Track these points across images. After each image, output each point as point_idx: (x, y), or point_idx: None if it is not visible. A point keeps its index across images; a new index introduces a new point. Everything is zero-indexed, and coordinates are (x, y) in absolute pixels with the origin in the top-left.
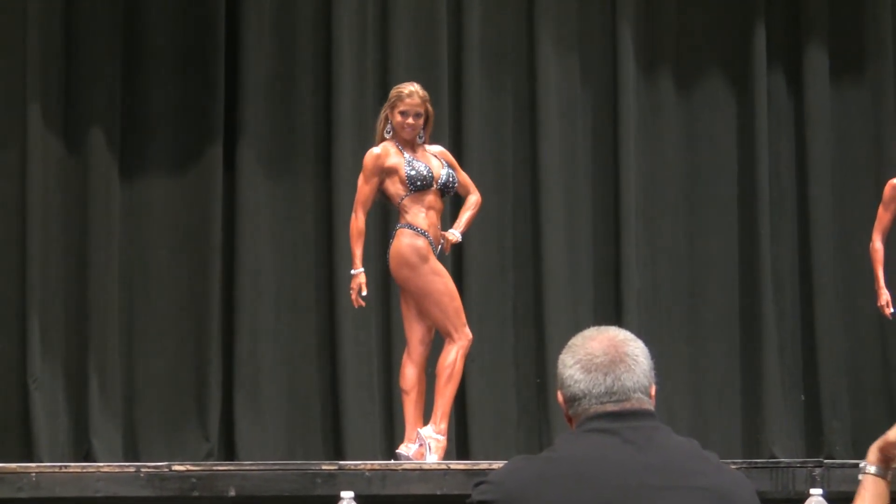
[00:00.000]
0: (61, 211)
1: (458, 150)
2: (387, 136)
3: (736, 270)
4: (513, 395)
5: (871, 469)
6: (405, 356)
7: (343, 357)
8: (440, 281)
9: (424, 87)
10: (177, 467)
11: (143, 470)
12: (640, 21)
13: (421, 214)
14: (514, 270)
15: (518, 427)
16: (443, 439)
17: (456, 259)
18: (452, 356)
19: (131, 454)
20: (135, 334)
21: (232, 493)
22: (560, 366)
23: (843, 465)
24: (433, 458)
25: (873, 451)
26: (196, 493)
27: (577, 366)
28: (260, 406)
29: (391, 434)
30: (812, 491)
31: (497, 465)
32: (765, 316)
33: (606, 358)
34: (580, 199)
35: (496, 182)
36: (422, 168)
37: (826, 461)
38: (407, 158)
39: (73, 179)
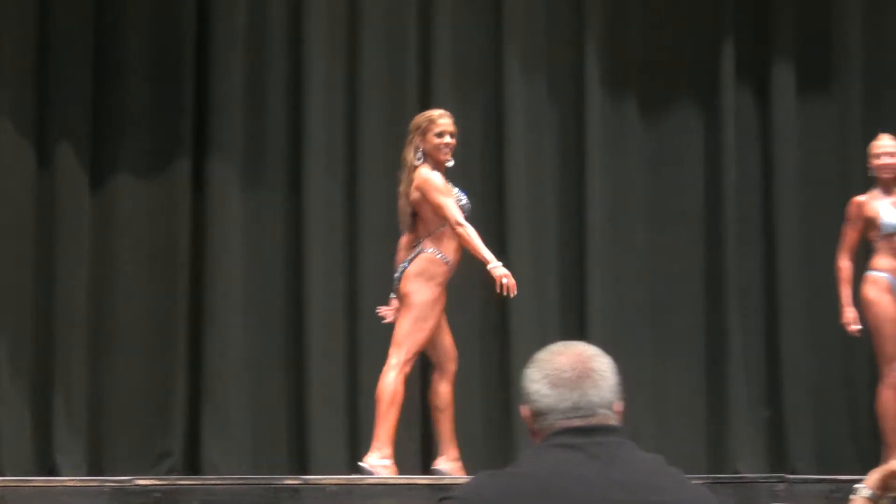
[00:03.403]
0: (31, 225)
1: None
2: (417, 162)
3: (701, 286)
4: (478, 410)
5: (867, 493)
6: (436, 374)
7: (310, 372)
8: (435, 312)
9: (393, 103)
10: (141, 482)
11: (107, 484)
12: (607, 39)
13: (452, 245)
14: (480, 286)
15: (483, 442)
16: (390, 464)
17: None
18: (391, 379)
19: (96, 469)
20: (101, 348)
21: None
22: (526, 380)
23: (805, 481)
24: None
25: (874, 477)
26: None
27: (544, 381)
28: (225, 420)
29: (356, 448)
30: None
31: (462, 480)
32: (730, 332)
33: (573, 373)
34: (546, 215)
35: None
36: (464, 198)
37: (789, 476)
38: (453, 186)
39: (43, 193)
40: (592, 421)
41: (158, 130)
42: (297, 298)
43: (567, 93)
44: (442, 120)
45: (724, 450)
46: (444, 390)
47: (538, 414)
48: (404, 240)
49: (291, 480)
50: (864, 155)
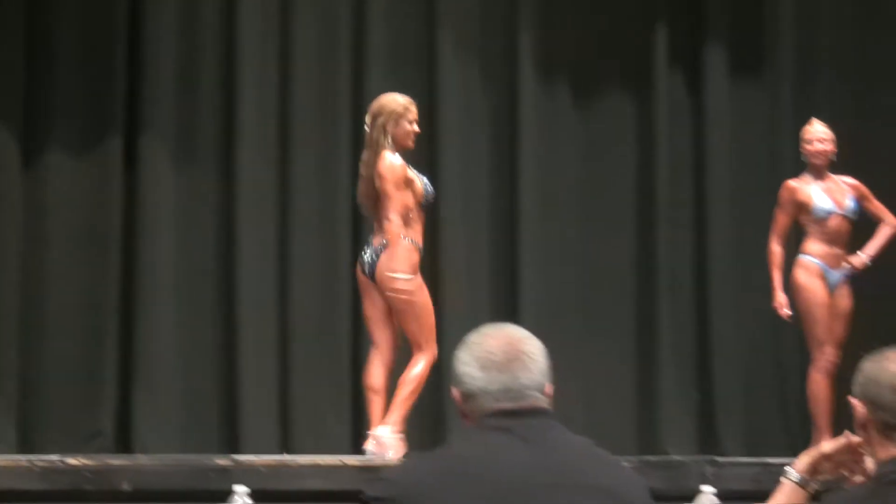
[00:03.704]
0: None
1: (357, 152)
2: (389, 148)
3: (632, 270)
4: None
5: (795, 477)
6: (376, 356)
7: (241, 352)
8: (426, 295)
9: (325, 87)
10: (70, 461)
11: (36, 463)
12: (540, 24)
13: (419, 229)
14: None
15: (413, 424)
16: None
17: (352, 261)
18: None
19: (26, 448)
20: (32, 328)
21: (126, 486)
22: (457, 363)
23: (734, 464)
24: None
25: (803, 461)
26: (90, 487)
27: (475, 363)
28: (156, 400)
29: (287, 429)
30: (703, 488)
31: (393, 461)
32: (660, 315)
33: (504, 356)
34: (479, 201)
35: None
36: (428, 184)
37: (718, 459)
38: (416, 172)
39: None
40: (522, 404)
41: (91, 110)
42: (229, 279)
43: (500, 78)
44: (413, 107)
45: (653, 432)
46: (381, 373)
47: (468, 396)
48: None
49: (222, 460)
50: (796, 140)
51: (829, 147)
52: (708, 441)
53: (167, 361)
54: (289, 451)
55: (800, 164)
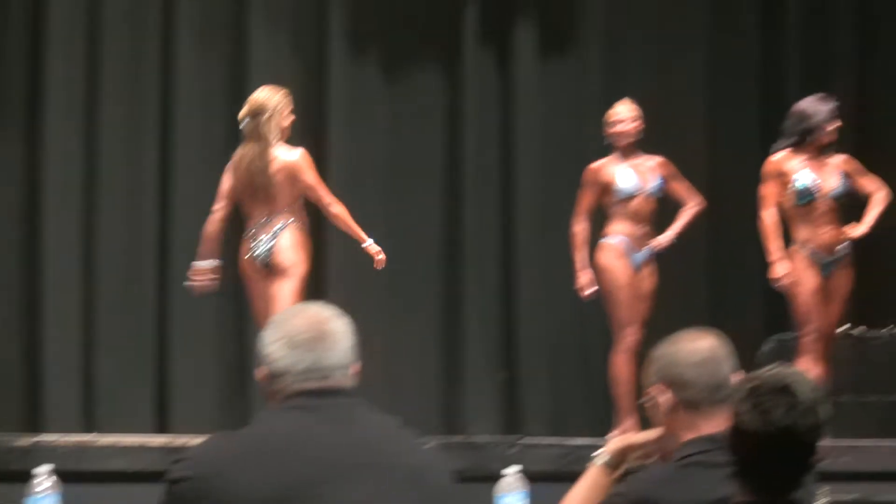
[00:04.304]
0: None
1: (168, 126)
2: (282, 140)
3: (439, 248)
4: (213, 370)
5: (605, 459)
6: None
7: (44, 329)
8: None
9: (133, 61)
10: None
11: None
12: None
13: (305, 217)
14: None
15: (218, 403)
16: None
17: (158, 233)
18: None
19: None
20: None
21: None
22: (262, 342)
23: (539, 445)
24: None
25: (613, 446)
26: None
27: (280, 342)
28: None
29: (91, 408)
30: (506, 469)
31: (196, 441)
32: (466, 295)
33: (309, 335)
34: None
35: (205, 159)
36: None
37: (522, 440)
38: None
39: None
40: (328, 383)
41: None
42: (32, 251)
43: (310, 51)
44: (290, 99)
45: (458, 413)
46: None
47: (274, 376)
48: (222, 214)
49: (23, 440)
50: (601, 120)
51: (634, 126)
52: (512, 422)
53: None
54: (93, 431)
55: (607, 144)
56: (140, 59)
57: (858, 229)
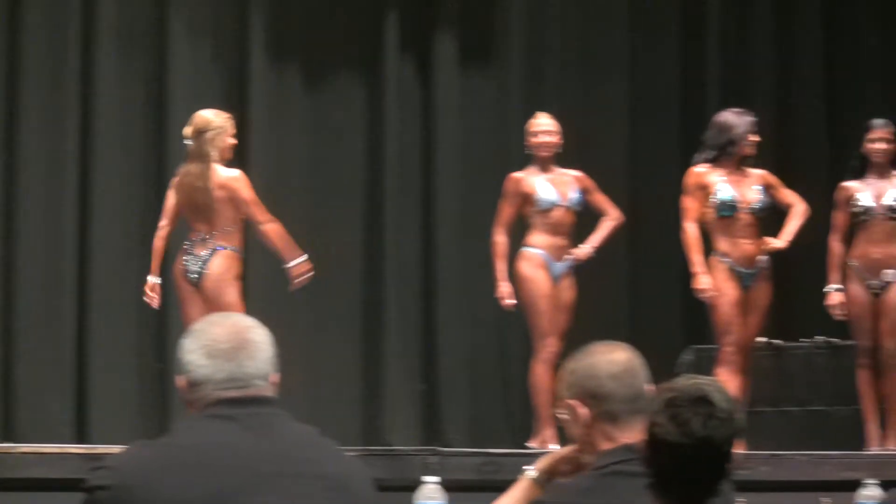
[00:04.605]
0: None
1: (88, 135)
2: (223, 162)
3: (359, 259)
4: (133, 379)
5: (533, 475)
6: None
7: None
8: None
9: (53, 72)
10: None
11: None
12: (271, 5)
13: (240, 238)
14: (138, 257)
15: (138, 412)
16: None
17: (78, 243)
18: None
19: None
20: None
21: None
22: (182, 350)
23: (458, 454)
24: None
25: (544, 461)
26: None
27: (200, 351)
28: None
29: (9, 416)
30: (426, 478)
31: (115, 449)
32: (386, 305)
33: (230, 344)
34: None
35: (125, 165)
36: None
37: (442, 450)
38: None
39: None
40: (248, 392)
41: None
42: None
43: (231, 59)
44: (232, 123)
45: (378, 422)
46: None
47: (194, 384)
48: (166, 231)
49: None
50: (522, 131)
51: (553, 139)
52: (432, 432)
53: None
54: (10, 440)
55: (527, 156)
56: (58, 71)
57: (778, 242)
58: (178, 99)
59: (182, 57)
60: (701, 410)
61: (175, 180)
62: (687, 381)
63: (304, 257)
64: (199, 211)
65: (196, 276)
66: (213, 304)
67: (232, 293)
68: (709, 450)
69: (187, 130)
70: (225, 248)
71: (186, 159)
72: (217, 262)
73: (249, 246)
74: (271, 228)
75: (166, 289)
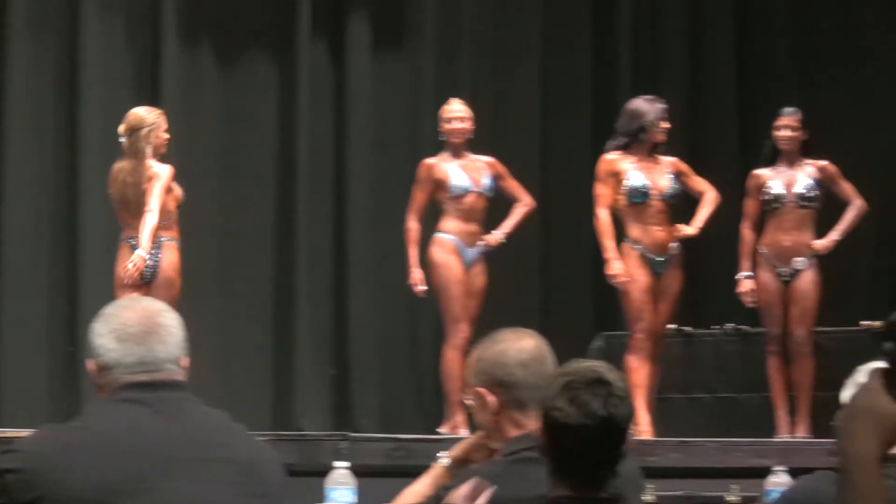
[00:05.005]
0: None
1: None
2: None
3: (271, 244)
4: (43, 362)
5: (446, 462)
6: None
7: None
8: None
9: None
10: None
11: None
12: None
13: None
14: (50, 238)
15: (48, 396)
16: None
17: None
18: None
19: None
20: None
21: None
22: (92, 334)
23: (368, 439)
24: None
25: (458, 449)
26: None
27: (111, 335)
28: None
29: None
30: (336, 463)
31: (24, 433)
32: (298, 290)
33: (140, 328)
34: None
35: (36, 148)
36: None
37: (352, 435)
38: None
39: None
40: (158, 376)
41: None
42: None
43: (143, 40)
44: (164, 119)
45: (289, 407)
46: None
47: (104, 368)
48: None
49: None
50: (435, 117)
51: (466, 125)
52: (343, 417)
53: None
54: None
55: (439, 141)
56: None
57: (689, 229)
58: (90, 80)
59: (94, 38)
60: (599, 391)
61: (109, 177)
62: (580, 365)
63: (144, 252)
64: (132, 206)
65: (149, 273)
66: (160, 294)
67: (178, 284)
68: (611, 429)
69: (121, 128)
70: (170, 241)
71: (120, 156)
72: (167, 255)
73: None
74: (146, 215)
75: (78, 273)
